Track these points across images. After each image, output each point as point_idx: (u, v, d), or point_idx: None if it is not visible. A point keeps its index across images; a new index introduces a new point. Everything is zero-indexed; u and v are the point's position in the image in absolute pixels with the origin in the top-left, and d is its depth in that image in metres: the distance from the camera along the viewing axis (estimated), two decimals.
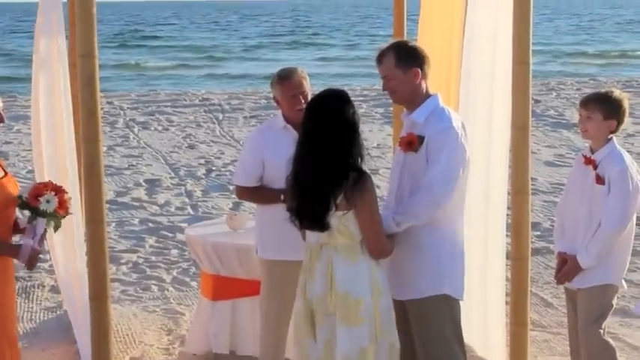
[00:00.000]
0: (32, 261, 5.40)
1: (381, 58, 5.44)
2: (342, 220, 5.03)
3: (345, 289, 5.05)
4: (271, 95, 6.27)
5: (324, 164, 4.98)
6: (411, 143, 5.35)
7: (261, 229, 6.19)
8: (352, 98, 5.16)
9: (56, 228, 5.53)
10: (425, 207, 5.28)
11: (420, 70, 5.42)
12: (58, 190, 5.46)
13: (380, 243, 5.10)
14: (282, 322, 6.16)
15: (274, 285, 6.10)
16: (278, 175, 5.69)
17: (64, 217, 5.52)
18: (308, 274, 5.19)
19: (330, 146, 4.98)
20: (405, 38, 7.82)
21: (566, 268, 5.89)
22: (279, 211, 5.60)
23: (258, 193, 6.14)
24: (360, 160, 5.02)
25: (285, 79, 6.03)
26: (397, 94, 5.46)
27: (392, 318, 5.18)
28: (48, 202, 5.38)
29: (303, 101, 5.90)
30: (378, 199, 5.14)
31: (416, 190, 5.31)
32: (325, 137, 5.00)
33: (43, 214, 5.39)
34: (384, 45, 5.52)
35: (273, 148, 5.98)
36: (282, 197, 5.77)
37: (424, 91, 5.47)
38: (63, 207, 5.46)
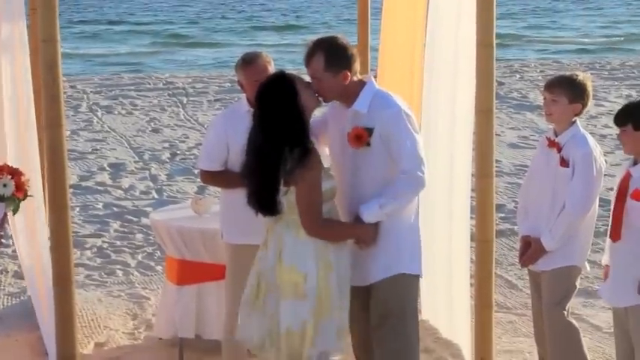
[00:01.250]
0: None
1: (309, 59, 5.31)
2: (289, 197, 5.12)
3: (291, 263, 5.16)
4: (236, 79, 6.25)
5: (266, 147, 5.10)
6: (360, 137, 5.27)
7: (226, 213, 6.18)
8: None
9: (15, 211, 5.48)
10: (412, 191, 5.32)
11: (349, 72, 5.31)
12: (15, 173, 5.41)
13: (312, 220, 5.14)
14: None
15: (239, 269, 6.08)
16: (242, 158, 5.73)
17: (24, 199, 5.46)
18: (264, 247, 5.31)
19: (269, 129, 5.11)
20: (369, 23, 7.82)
21: (531, 250, 5.92)
22: (243, 195, 5.61)
23: (222, 177, 6.14)
24: (303, 137, 5.08)
25: (250, 63, 6.02)
26: (327, 95, 5.35)
27: (343, 298, 5.24)
28: (5, 186, 5.33)
29: None
30: None
31: (380, 185, 5.29)
32: (265, 121, 5.14)
33: (1, 198, 5.34)
34: (312, 43, 5.36)
35: (237, 132, 5.97)
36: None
37: (356, 80, 5.36)
38: (21, 189, 5.40)
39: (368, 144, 5.28)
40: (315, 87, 5.30)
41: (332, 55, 5.28)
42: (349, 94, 5.34)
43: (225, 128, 6.07)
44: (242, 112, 6.08)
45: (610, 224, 5.52)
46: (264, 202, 5.17)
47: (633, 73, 25.07)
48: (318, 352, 5.19)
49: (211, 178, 6.25)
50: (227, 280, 6.24)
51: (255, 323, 5.31)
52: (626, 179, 5.48)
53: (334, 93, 5.34)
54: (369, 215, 5.27)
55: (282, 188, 5.10)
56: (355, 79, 5.36)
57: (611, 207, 5.54)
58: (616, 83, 22.77)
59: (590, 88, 5.92)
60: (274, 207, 5.14)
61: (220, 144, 6.08)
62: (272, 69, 6.02)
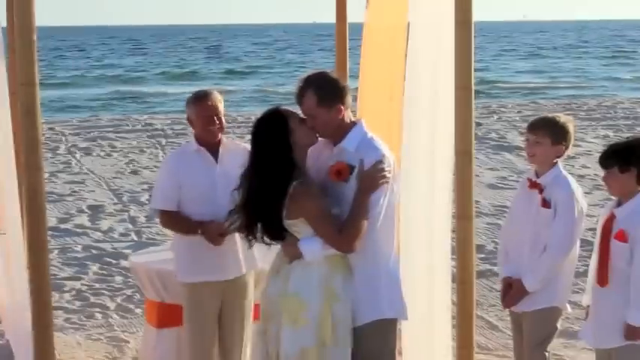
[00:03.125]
0: None
1: (300, 97, 5.24)
2: (293, 228, 5.12)
3: (295, 291, 5.13)
4: None
5: (259, 181, 5.10)
6: (341, 172, 5.20)
7: (180, 252, 6.16)
8: None
9: None
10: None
11: (342, 106, 5.25)
12: None
13: (335, 240, 5.10)
14: (210, 346, 6.13)
15: (197, 309, 6.09)
16: (194, 197, 5.96)
17: None
18: (274, 273, 5.29)
19: (261, 163, 5.11)
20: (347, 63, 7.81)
21: (513, 292, 5.92)
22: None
23: (179, 222, 6.09)
24: (292, 174, 5.06)
25: (201, 99, 6.08)
26: (322, 132, 5.28)
27: (347, 334, 5.18)
28: None
29: (217, 122, 6.01)
30: None
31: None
32: (258, 156, 5.14)
33: None
34: (301, 81, 5.28)
35: (188, 172, 6.04)
36: (199, 231, 5.96)
37: (348, 119, 5.31)
38: None
39: (346, 180, 5.24)
40: (310, 124, 5.22)
41: (323, 90, 5.21)
42: (340, 132, 5.28)
43: (178, 167, 6.09)
44: (190, 151, 6.13)
45: (596, 268, 5.50)
46: (273, 235, 5.20)
47: (610, 113, 25.27)
48: None
49: (170, 220, 6.14)
50: (186, 323, 6.18)
51: (260, 350, 5.30)
52: (610, 220, 5.47)
53: (330, 129, 5.26)
54: (311, 254, 5.17)
55: (287, 221, 5.09)
56: (347, 116, 5.29)
57: (596, 250, 5.53)
58: (593, 124, 22.95)
59: (572, 130, 5.95)
60: (279, 233, 5.15)
61: (173, 182, 6.07)
62: (222, 107, 6.06)
